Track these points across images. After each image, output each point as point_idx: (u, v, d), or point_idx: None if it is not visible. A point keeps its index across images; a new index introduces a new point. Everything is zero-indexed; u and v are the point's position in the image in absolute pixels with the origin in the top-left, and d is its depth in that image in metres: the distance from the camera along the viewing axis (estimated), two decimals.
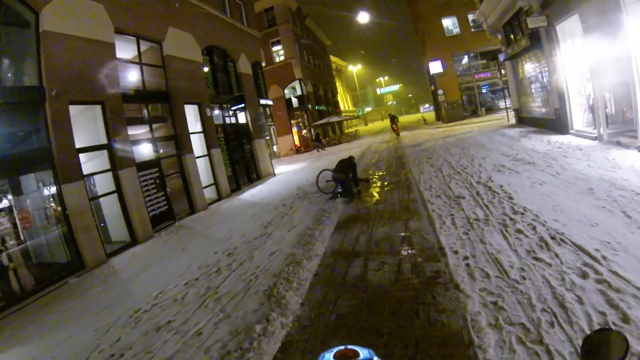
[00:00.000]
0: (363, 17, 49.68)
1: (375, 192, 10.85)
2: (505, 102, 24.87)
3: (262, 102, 22.69)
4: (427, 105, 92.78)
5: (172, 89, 13.59)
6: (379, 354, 1.01)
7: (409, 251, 5.87)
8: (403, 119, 58.81)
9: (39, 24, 8.94)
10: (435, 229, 6.47)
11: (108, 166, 10.45)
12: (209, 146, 15.43)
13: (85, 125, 10.53)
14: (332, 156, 23.13)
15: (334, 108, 51.11)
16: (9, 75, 9.00)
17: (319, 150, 32.18)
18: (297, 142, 36.04)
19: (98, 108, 10.46)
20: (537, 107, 17.31)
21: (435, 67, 33.34)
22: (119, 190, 10.52)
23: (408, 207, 8.40)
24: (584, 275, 3.96)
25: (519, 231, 5.48)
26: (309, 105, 36.69)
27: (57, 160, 8.83)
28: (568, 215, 5.67)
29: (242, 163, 18.75)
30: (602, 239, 4.64)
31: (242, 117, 19.61)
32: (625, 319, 3.19)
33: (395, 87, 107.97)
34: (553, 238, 4.96)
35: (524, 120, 19.52)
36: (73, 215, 8.91)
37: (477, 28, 30.16)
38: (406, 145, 22.24)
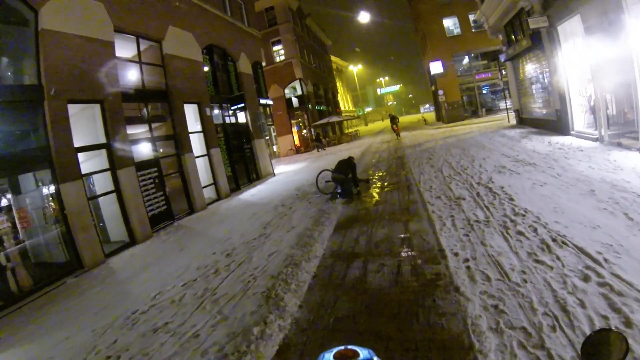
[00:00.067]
0: (364, 17, 49.68)
1: (375, 193, 10.80)
2: (505, 102, 24.83)
3: (262, 101, 22.65)
4: (427, 105, 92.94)
5: (172, 88, 13.54)
6: (379, 357, 1.00)
7: (409, 253, 5.81)
8: (403, 119, 58.82)
9: (38, 22, 8.88)
10: (435, 231, 6.42)
11: (107, 165, 10.39)
12: (208, 146, 15.37)
13: (84, 124, 10.47)
14: (332, 156, 23.08)
15: (334, 108, 51.06)
16: (8, 73, 8.93)
17: (319, 150, 32.12)
18: (297, 142, 36.01)
19: (97, 107, 10.40)
20: (537, 108, 17.27)
21: (436, 67, 33.33)
22: (117, 189, 10.46)
23: (408, 208, 8.34)
24: (586, 279, 3.92)
25: (520, 233, 5.43)
26: (309, 105, 36.64)
27: (56, 159, 8.77)
28: (569, 217, 5.62)
29: (241, 163, 18.70)
30: (604, 242, 4.59)
31: (242, 117, 19.55)
32: (628, 323, 3.14)
33: (396, 88, 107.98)
34: (554, 240, 4.91)
35: (525, 121, 19.48)
36: (71, 215, 8.86)
37: (477, 28, 30.18)
38: (406, 145, 22.20)
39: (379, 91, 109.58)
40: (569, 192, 6.82)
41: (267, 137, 24.81)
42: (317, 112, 39.19)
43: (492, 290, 4.10)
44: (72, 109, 9.54)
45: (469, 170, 10.59)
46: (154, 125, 12.92)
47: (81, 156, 9.67)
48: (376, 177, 13.36)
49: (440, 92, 33.63)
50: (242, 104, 18.61)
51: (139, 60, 12.64)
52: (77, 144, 9.40)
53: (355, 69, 77.52)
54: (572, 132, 13.15)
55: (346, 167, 10.82)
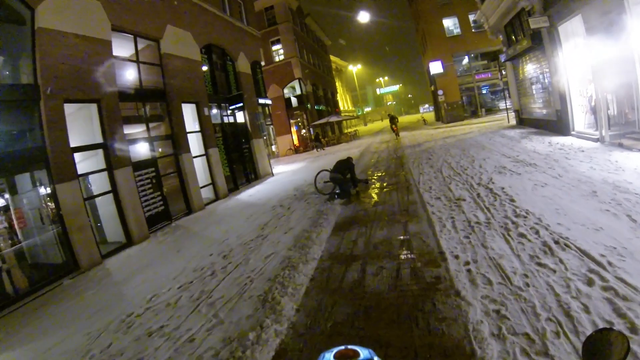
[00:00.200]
0: (363, 17, 49.63)
1: (374, 194, 10.70)
2: (505, 103, 24.77)
3: (261, 101, 22.55)
4: (426, 105, 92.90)
5: (170, 87, 13.45)
6: (379, 357, 0.99)
7: (408, 255, 5.71)
8: (403, 119, 58.74)
9: (34, 21, 8.79)
10: (435, 232, 6.31)
11: (104, 165, 10.31)
12: (206, 146, 15.30)
13: (81, 124, 10.39)
14: (331, 156, 22.99)
15: (334, 108, 51.00)
16: (4, 73, 8.84)
17: (318, 150, 32.04)
18: (296, 141, 35.92)
19: (94, 106, 10.31)
20: (538, 108, 17.20)
21: (436, 67, 33.27)
22: (114, 190, 10.37)
23: (407, 209, 8.24)
24: (590, 282, 3.82)
25: (522, 235, 5.33)
26: (309, 105, 36.55)
27: (52, 159, 8.70)
28: (572, 218, 5.53)
29: (240, 163, 18.62)
30: (607, 244, 4.50)
31: (240, 117, 19.46)
32: (634, 329, 3.06)
33: (395, 88, 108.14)
34: (557, 242, 4.81)
35: (525, 121, 19.41)
36: (67, 216, 8.78)
37: (478, 28, 30.14)
38: (406, 145, 22.11)
39: (378, 91, 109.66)
40: (571, 193, 6.73)
41: (266, 137, 24.71)
42: (316, 111, 39.11)
43: (493, 295, 4.00)
44: (69, 108, 9.45)
45: (468, 170, 10.50)
46: (151, 125, 12.83)
47: (78, 156, 9.59)
48: (375, 178, 13.26)
49: (440, 92, 33.55)
50: (241, 104, 18.52)
51: (136, 59, 12.55)
52: (73, 144, 9.32)
53: (355, 68, 77.53)
54: (572, 133, 13.07)
55: (344, 167, 10.74)
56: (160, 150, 13.09)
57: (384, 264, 5.50)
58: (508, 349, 3.16)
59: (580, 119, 12.99)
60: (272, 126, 32.54)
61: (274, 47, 36.00)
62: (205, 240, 9.37)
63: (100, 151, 10.32)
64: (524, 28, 15.91)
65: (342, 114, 53.34)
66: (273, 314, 4.58)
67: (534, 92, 17.24)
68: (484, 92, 34.66)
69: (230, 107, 18.34)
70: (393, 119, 30.99)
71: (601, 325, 3.18)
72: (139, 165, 11.43)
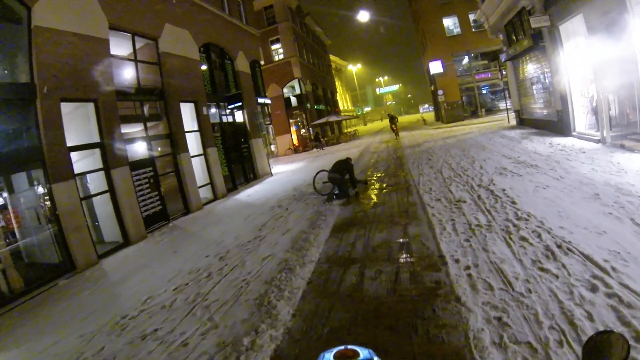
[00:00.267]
0: (363, 16, 49.51)
1: (373, 195, 10.60)
2: (505, 103, 24.70)
3: (260, 100, 22.46)
4: (426, 105, 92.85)
5: (168, 86, 13.35)
6: (379, 357, 0.98)
7: (408, 259, 5.60)
8: (402, 119, 58.66)
9: (31, 19, 8.70)
10: (435, 235, 6.20)
11: (101, 165, 10.23)
12: (205, 145, 15.20)
13: (78, 123, 10.31)
14: (330, 156, 22.91)
15: (333, 107, 50.92)
16: (0, 71, 8.76)
17: (318, 150, 31.95)
18: (295, 141, 35.83)
19: (91, 105, 10.21)
20: (538, 108, 17.12)
21: (436, 67, 33.19)
22: (111, 189, 10.30)
23: (407, 211, 8.13)
24: (594, 289, 3.72)
25: (523, 239, 5.22)
26: (308, 105, 36.48)
27: (48, 158, 8.61)
28: (574, 222, 5.43)
29: (238, 162, 18.52)
30: (610, 249, 4.40)
31: (239, 116, 19.36)
32: (639, 337, 2.95)
33: (395, 87, 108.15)
34: (559, 247, 4.71)
35: (525, 121, 19.33)
36: (63, 215, 8.70)
37: (478, 28, 30.07)
38: (405, 145, 22.01)
39: (378, 91, 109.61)
40: (573, 196, 6.63)
41: (265, 136, 24.62)
42: (315, 111, 39.03)
43: (495, 301, 3.89)
44: (66, 107, 9.38)
45: (469, 171, 10.40)
46: (149, 124, 12.75)
47: (74, 155, 9.50)
48: (374, 178, 13.16)
49: (440, 92, 33.46)
50: (240, 103, 18.41)
51: (134, 58, 12.44)
52: (70, 143, 9.24)
53: (355, 68, 77.45)
54: (573, 134, 12.98)
55: (343, 167, 10.66)
56: (158, 149, 13.00)
57: (382, 268, 5.39)
58: (510, 359, 3.06)
59: (581, 119, 12.90)
60: (271, 126, 32.45)
61: (274, 47, 35.92)
62: (202, 241, 9.28)
63: (97, 150, 10.25)
64: (524, 27, 15.83)
65: (342, 114, 53.29)
66: (269, 319, 4.48)
67: (535, 92, 17.16)
68: (484, 92, 34.61)
69: (229, 107, 18.23)
70: (393, 119, 30.92)
71: None
72: (137, 165, 11.34)
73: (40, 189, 9.04)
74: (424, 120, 44.95)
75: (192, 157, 14.12)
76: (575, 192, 6.82)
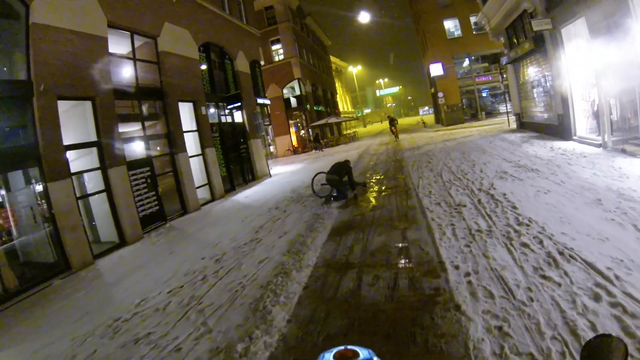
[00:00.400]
0: (364, 17, 49.53)
1: (372, 197, 10.50)
2: (506, 106, 24.63)
3: (260, 101, 22.37)
4: (426, 107, 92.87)
5: (167, 86, 13.25)
6: (379, 358, 1.00)
7: (406, 264, 5.49)
8: (402, 121, 58.59)
9: (29, 17, 8.60)
10: (434, 240, 6.10)
11: (97, 164, 10.13)
12: (203, 145, 15.09)
13: (75, 122, 10.21)
14: (330, 157, 22.84)
15: (333, 109, 50.86)
16: None
17: (317, 151, 31.87)
18: (295, 142, 35.75)
19: (88, 104, 10.12)
20: (539, 112, 17.05)
21: (436, 69, 33.11)
22: (108, 189, 10.19)
23: (406, 215, 8.02)
24: (597, 298, 3.63)
25: (525, 245, 5.13)
26: (308, 106, 36.40)
27: (44, 157, 8.51)
28: (576, 228, 5.34)
29: (237, 163, 18.41)
30: (613, 256, 4.32)
31: (238, 116, 19.25)
32: None
33: (395, 89, 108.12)
34: (561, 254, 4.62)
35: (525, 125, 19.26)
36: (59, 215, 8.60)
37: (479, 31, 29.98)
38: (405, 148, 21.92)
39: (378, 93, 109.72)
40: (575, 201, 6.54)
41: (265, 136, 24.55)
42: (315, 112, 38.95)
43: (495, 310, 3.80)
44: (64, 105, 9.30)
45: (469, 175, 10.31)
46: (147, 123, 12.65)
47: (71, 154, 9.42)
48: (373, 181, 13.06)
49: (440, 94, 33.37)
50: (239, 103, 18.34)
51: (133, 56, 12.35)
52: (67, 142, 9.14)
53: (355, 69, 77.42)
54: (574, 138, 12.90)
55: (342, 170, 10.59)
56: (155, 149, 12.88)
57: (380, 273, 5.28)
58: None
59: (582, 123, 12.82)
60: (270, 126, 32.38)
61: (274, 47, 35.86)
62: (198, 242, 9.18)
63: (94, 149, 10.15)
64: (526, 30, 15.76)
65: (342, 115, 53.20)
66: (263, 324, 4.38)
67: (536, 95, 17.09)
68: (484, 95, 34.55)
69: (228, 107, 18.14)
70: (392, 121, 30.81)
71: None
72: (134, 164, 11.24)
73: (36, 188, 8.94)
74: (423, 122, 44.87)
75: (190, 157, 14.01)
76: (577, 197, 6.74)
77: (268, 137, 32.28)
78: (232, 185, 17.17)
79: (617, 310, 3.40)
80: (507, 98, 23.74)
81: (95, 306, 6.34)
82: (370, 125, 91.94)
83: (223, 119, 17.86)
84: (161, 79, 13.23)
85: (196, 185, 14.09)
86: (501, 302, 3.92)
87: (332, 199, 10.54)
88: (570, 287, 3.88)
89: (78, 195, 9.45)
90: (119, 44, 11.77)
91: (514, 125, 21.16)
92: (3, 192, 8.68)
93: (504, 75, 22.10)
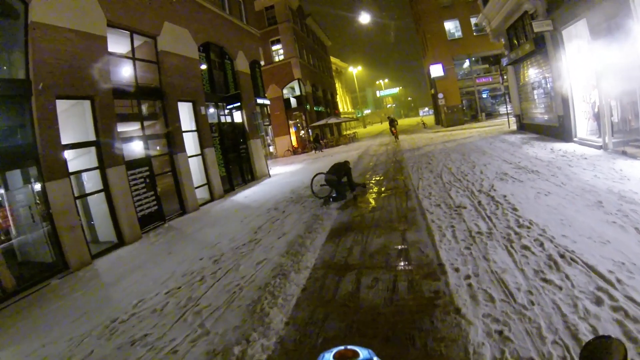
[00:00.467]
0: (364, 18, 49.52)
1: (371, 199, 10.44)
2: (506, 107, 24.59)
3: (260, 101, 22.33)
4: (426, 108, 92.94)
5: (166, 85, 13.21)
6: (379, 358, 0.99)
7: (406, 267, 5.44)
8: (402, 122, 58.60)
9: (27, 15, 8.56)
10: (434, 242, 6.04)
11: (96, 164, 10.09)
12: (202, 145, 15.06)
13: (74, 121, 10.17)
14: (329, 158, 22.79)
15: (333, 109, 50.81)
16: None
17: (316, 151, 31.83)
18: (294, 143, 35.71)
19: (87, 103, 10.08)
20: (539, 113, 17.00)
21: (436, 70, 33.08)
22: (106, 189, 10.15)
23: (406, 216, 7.97)
24: (598, 302, 3.58)
25: (525, 247, 5.07)
26: (308, 106, 36.36)
27: (42, 156, 8.47)
28: (577, 230, 5.29)
29: (236, 163, 18.37)
30: (615, 259, 4.26)
31: (238, 116, 19.23)
32: None
33: (395, 90, 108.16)
34: (562, 256, 4.57)
35: (526, 126, 19.22)
36: (57, 214, 8.56)
37: (479, 32, 29.97)
38: (405, 149, 21.86)
39: (378, 93, 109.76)
40: (576, 203, 6.49)
41: (264, 137, 24.50)
42: (315, 113, 38.91)
43: (496, 313, 3.74)
44: (63, 104, 9.28)
45: (469, 176, 10.26)
46: (146, 123, 12.62)
47: (69, 154, 9.38)
48: (373, 182, 13.01)
49: (440, 95, 33.32)
50: (238, 103, 18.31)
51: (132, 56, 12.31)
52: (65, 141, 9.10)
53: (355, 70, 77.40)
54: (574, 139, 12.86)
55: (341, 170, 10.55)
56: (154, 149, 12.83)
57: (379, 276, 5.23)
58: None
59: (582, 125, 12.77)
60: (270, 127, 32.35)
61: (274, 47, 35.83)
62: (197, 242, 9.13)
63: (92, 149, 10.11)
64: (526, 32, 15.72)
65: (342, 116, 53.13)
66: (261, 327, 4.33)
67: (536, 97, 17.05)
68: (484, 96, 34.51)
69: (228, 107, 18.11)
70: (392, 122, 30.79)
71: None
72: (133, 164, 11.20)
73: (34, 187, 8.90)
74: (423, 123, 44.85)
75: (190, 157, 13.98)
76: (578, 199, 6.69)
77: (268, 137, 32.26)
78: (231, 186, 17.13)
79: (619, 314, 3.35)
80: (507, 99, 23.70)
81: (92, 306, 6.29)
82: (370, 126, 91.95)
83: (222, 119, 17.83)
84: (161, 78, 13.19)
85: (195, 185, 14.05)
86: (502, 305, 3.87)
87: (331, 199, 10.50)
88: (572, 291, 3.84)
89: (76, 194, 9.40)
90: (118, 43, 11.73)
91: (514, 127, 21.11)
92: (2, 191, 8.70)
93: (505, 77, 22.06)
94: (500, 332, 3.45)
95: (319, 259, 6.42)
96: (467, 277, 4.62)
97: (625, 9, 8.60)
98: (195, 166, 14.57)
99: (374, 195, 10.80)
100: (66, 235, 8.64)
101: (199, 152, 14.99)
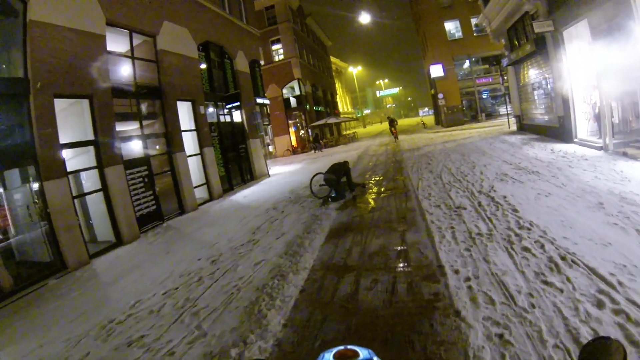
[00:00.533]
0: (364, 18, 49.51)
1: (370, 199, 10.39)
2: (506, 108, 24.55)
3: (259, 101, 22.27)
4: (426, 109, 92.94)
5: (165, 84, 13.16)
6: (379, 358, 1.00)
7: (405, 268, 5.39)
8: (402, 122, 58.56)
9: (26, 13, 8.51)
10: (434, 243, 5.98)
11: (94, 163, 10.04)
12: (201, 145, 15.01)
13: (72, 120, 10.13)
14: (329, 158, 22.72)
15: (333, 109, 50.75)
16: None
17: (316, 151, 31.79)
18: (294, 142, 35.66)
19: (86, 102, 10.03)
20: (539, 114, 16.96)
21: (436, 70, 33.04)
22: (105, 188, 10.10)
23: (405, 217, 7.92)
24: (600, 305, 3.54)
25: (526, 249, 5.02)
26: (307, 106, 36.31)
27: (40, 156, 8.42)
28: (578, 232, 5.24)
29: (235, 163, 18.32)
30: (616, 262, 4.22)
31: (237, 116, 19.18)
32: None
33: (395, 90, 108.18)
34: (563, 259, 4.52)
35: (525, 127, 19.18)
36: (55, 214, 8.52)
37: (479, 32, 29.93)
38: (405, 149, 21.82)
39: (378, 93, 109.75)
40: (576, 204, 6.45)
41: (263, 136, 24.45)
42: (315, 112, 38.87)
43: (496, 316, 3.69)
44: (61, 103, 9.23)
45: (469, 177, 10.22)
46: (145, 122, 12.56)
47: (68, 153, 9.35)
48: (372, 182, 12.96)
49: (440, 95, 33.28)
50: (238, 103, 18.25)
51: (131, 55, 12.25)
52: (63, 140, 9.06)
53: (355, 70, 77.37)
54: (575, 140, 12.82)
55: (340, 170, 10.51)
56: (153, 148, 12.77)
57: (378, 277, 5.18)
58: None
59: (583, 126, 12.73)
60: (270, 126, 32.29)
61: (274, 47, 35.79)
62: (195, 242, 9.09)
63: (91, 148, 10.07)
64: (527, 32, 15.68)
65: (341, 116, 53.11)
66: (258, 329, 4.29)
67: (536, 97, 17.00)
68: (484, 96, 34.48)
69: (227, 106, 18.05)
70: (392, 122, 30.75)
71: None
72: (131, 164, 11.15)
73: (32, 187, 8.85)
74: (423, 123, 44.79)
75: (189, 156, 13.93)
76: (579, 200, 6.64)
77: (267, 137, 32.21)
78: (230, 185, 17.08)
79: (621, 317, 3.31)
80: (507, 100, 23.66)
81: (90, 307, 6.25)
82: (370, 126, 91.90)
83: (222, 119, 17.77)
84: (160, 77, 13.14)
85: (194, 184, 14.00)
86: (502, 308, 3.82)
87: (329, 199, 10.46)
88: (573, 294, 3.79)
89: (75, 194, 9.37)
90: (117, 42, 11.68)
91: (514, 127, 21.08)
92: (0, 190, 8.63)
93: (505, 77, 22.02)
94: (501, 336, 3.40)
95: (318, 260, 6.36)
96: (467, 279, 4.57)
97: (627, 10, 8.56)
98: (194, 166, 14.51)
99: (373, 196, 10.75)
100: (64, 234, 8.59)
101: (198, 151, 14.93)
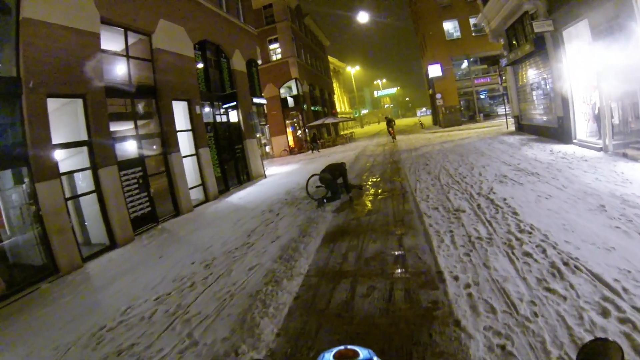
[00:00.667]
0: (363, 17, 49.42)
1: (367, 201, 10.24)
2: (505, 108, 24.47)
3: (256, 100, 22.11)
4: (424, 109, 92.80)
5: (161, 84, 12.99)
6: (379, 358, 0.99)
7: (403, 274, 5.23)
8: (400, 122, 58.38)
9: (19, 11, 8.34)
10: (432, 248, 5.84)
11: (88, 164, 9.87)
12: (197, 145, 14.83)
13: (65, 120, 9.96)
14: (326, 158, 22.63)
15: (330, 109, 50.60)
16: None
17: (313, 151, 31.66)
18: (291, 142, 35.51)
19: (79, 102, 9.85)
20: (538, 114, 16.87)
21: (435, 70, 33.01)
22: (98, 190, 9.93)
23: (403, 220, 7.77)
24: (605, 313, 3.42)
25: (527, 254, 4.89)
26: (305, 106, 36.14)
27: (32, 156, 8.24)
28: (580, 236, 5.12)
29: (231, 163, 18.14)
30: (620, 267, 4.10)
31: (233, 116, 19.02)
32: None
33: (393, 90, 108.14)
34: (566, 264, 4.39)
35: (524, 127, 19.11)
36: (47, 216, 8.35)
37: (478, 32, 29.91)
38: (402, 149, 21.70)
39: (375, 93, 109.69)
40: (577, 207, 6.32)
41: (260, 137, 24.31)
42: (312, 112, 38.72)
43: (498, 326, 3.55)
44: (54, 103, 9.06)
45: (468, 179, 10.09)
46: (140, 122, 12.40)
47: (61, 154, 9.17)
48: (369, 183, 12.82)
49: (438, 95, 33.21)
50: (234, 103, 18.11)
51: (126, 53, 12.08)
52: (56, 141, 8.88)
53: (353, 70, 77.32)
54: (574, 141, 12.72)
55: (336, 170, 10.40)
56: (148, 149, 12.60)
57: (375, 284, 5.02)
58: None
59: (582, 126, 12.64)
60: (267, 126, 32.13)
61: (272, 46, 35.64)
62: (189, 245, 8.92)
63: (84, 149, 9.89)
64: (526, 32, 15.59)
65: (339, 116, 52.96)
66: (251, 338, 4.14)
67: (535, 98, 16.92)
68: (482, 96, 34.44)
69: (224, 106, 17.90)
70: (390, 122, 30.64)
71: None
72: (125, 164, 10.98)
73: (24, 188, 8.69)
74: (421, 124, 44.69)
75: (184, 157, 13.76)
76: (580, 203, 6.52)
77: (264, 137, 32.05)
78: (226, 186, 16.91)
79: (627, 326, 3.19)
80: (506, 100, 23.58)
81: (81, 312, 6.12)
82: (368, 126, 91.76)
83: (218, 119, 17.60)
84: (155, 77, 12.97)
85: (189, 186, 13.83)
86: (504, 317, 3.68)
87: (324, 200, 10.31)
88: (577, 301, 3.66)
89: (67, 196, 9.21)
90: (112, 41, 11.52)
91: (512, 128, 21.02)
92: None
93: (503, 77, 21.94)
94: (503, 347, 3.26)
95: (313, 265, 6.19)
96: (467, 285, 4.43)
97: (628, 10, 8.46)
98: (189, 166, 14.35)
99: (370, 198, 10.61)
100: (56, 237, 8.43)
101: (193, 152, 14.76)
